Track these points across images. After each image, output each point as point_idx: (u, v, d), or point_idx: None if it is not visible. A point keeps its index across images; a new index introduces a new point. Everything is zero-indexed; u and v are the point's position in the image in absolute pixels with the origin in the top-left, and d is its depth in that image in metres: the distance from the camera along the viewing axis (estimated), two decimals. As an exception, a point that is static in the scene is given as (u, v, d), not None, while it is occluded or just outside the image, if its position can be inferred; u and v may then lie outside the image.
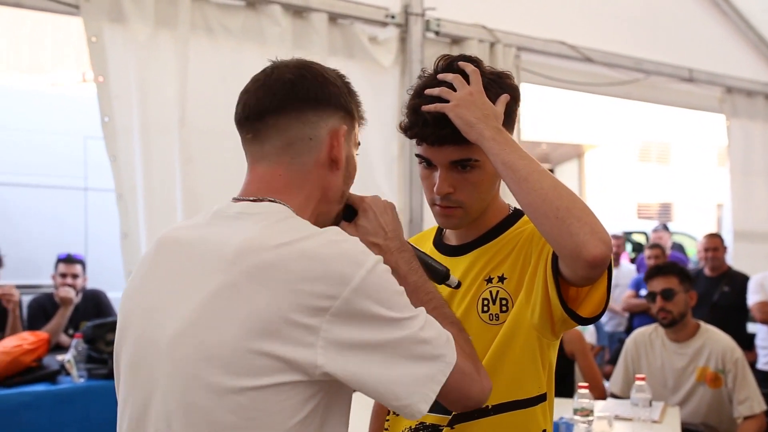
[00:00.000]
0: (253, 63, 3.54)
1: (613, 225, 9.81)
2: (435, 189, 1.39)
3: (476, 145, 1.33)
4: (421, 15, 3.97)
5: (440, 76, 1.38)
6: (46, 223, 4.70)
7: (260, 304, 1.03)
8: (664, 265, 3.86)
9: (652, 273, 3.60)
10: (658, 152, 19.33)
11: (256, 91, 1.18)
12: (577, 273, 1.25)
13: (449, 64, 1.41)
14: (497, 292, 1.41)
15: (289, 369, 1.03)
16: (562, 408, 2.53)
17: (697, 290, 5.27)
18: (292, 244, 1.06)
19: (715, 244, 5.18)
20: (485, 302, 1.42)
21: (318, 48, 3.65)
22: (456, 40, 4.16)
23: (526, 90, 4.46)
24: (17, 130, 4.63)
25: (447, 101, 1.34)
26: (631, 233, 11.45)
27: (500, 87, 1.41)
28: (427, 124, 1.36)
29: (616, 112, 14.87)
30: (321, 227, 1.13)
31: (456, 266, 1.45)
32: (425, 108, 1.35)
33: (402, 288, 1.11)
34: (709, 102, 5.52)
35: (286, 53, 3.78)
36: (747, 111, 5.61)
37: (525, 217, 1.47)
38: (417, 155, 1.43)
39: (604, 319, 6.38)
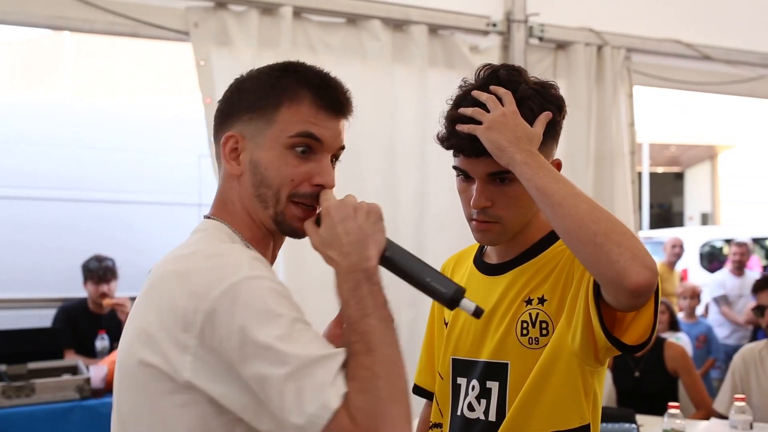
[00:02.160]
0: (354, 78, 3.57)
1: (746, 230, 9.25)
2: (472, 202, 1.35)
3: None
4: (524, 21, 3.88)
5: (474, 94, 1.33)
6: (163, 238, 4.95)
7: (147, 316, 1.05)
8: None
9: (760, 285, 3.35)
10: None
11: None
12: (620, 301, 1.17)
13: (491, 74, 1.36)
14: (537, 314, 1.34)
15: (166, 379, 1.01)
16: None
17: None
18: (177, 260, 1.07)
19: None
20: (524, 325, 1.35)
21: (418, 60, 3.65)
22: (561, 45, 4.04)
23: (639, 92, 4.28)
24: (137, 151, 4.90)
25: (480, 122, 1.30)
26: (765, 239, 10.74)
27: (544, 98, 1.35)
28: (464, 135, 1.32)
29: (753, 110, 14.00)
30: (273, 228, 1.15)
31: (495, 286, 1.40)
32: (459, 128, 1.31)
33: (285, 312, 0.98)
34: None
35: (385, 66, 3.80)
36: None
37: None
38: (454, 167, 1.39)
39: (725, 331, 6.00)
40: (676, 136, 14.23)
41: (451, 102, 1.38)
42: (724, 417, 3.23)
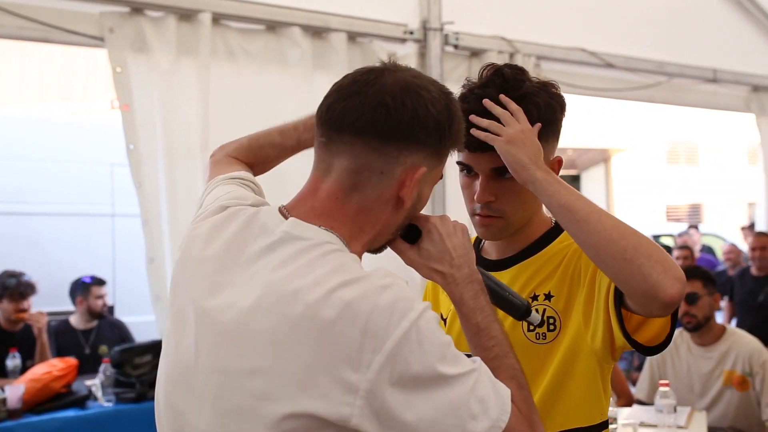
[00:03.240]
0: (274, 85, 3.61)
1: (641, 229, 9.68)
2: (476, 197, 1.36)
3: None
4: (440, 29, 3.97)
5: (487, 105, 1.33)
6: (76, 249, 4.78)
7: (288, 357, 0.96)
8: (686, 268, 3.82)
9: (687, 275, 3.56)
10: (687, 153, 19.09)
11: (348, 99, 1.06)
12: (651, 312, 1.21)
13: (496, 73, 1.37)
14: (544, 310, 1.36)
15: (327, 426, 0.95)
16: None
17: (743, 290, 5.17)
18: (332, 292, 0.96)
19: (763, 243, 5.08)
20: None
21: (338, 67, 3.66)
22: (475, 53, 4.16)
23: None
24: (45, 161, 4.71)
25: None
26: (659, 236, 11.31)
27: (548, 95, 1.38)
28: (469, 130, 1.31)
29: (643, 115, 14.73)
30: (373, 248, 1.11)
31: None
32: (475, 133, 1.31)
33: (449, 338, 1.00)
34: (736, 101, 5.45)
35: (306, 73, 3.80)
36: (776, 109, 5.53)
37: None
38: (458, 162, 1.39)
39: None
40: (573, 139, 14.79)
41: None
42: (643, 403, 3.40)
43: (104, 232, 4.88)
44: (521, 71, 1.39)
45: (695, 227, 10.86)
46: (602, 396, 1.36)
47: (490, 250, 1.48)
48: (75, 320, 4.41)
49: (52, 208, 4.70)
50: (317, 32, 3.63)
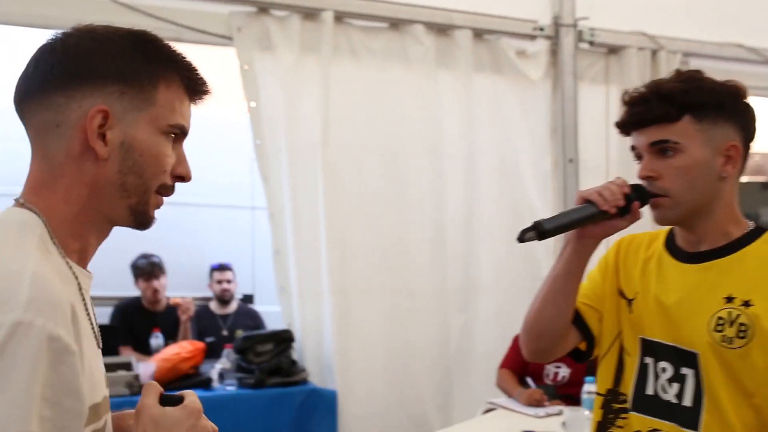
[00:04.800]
0: (397, 82, 3.62)
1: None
2: (638, 174, 1.35)
3: (678, 126, 1.29)
4: (573, 26, 3.81)
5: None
6: (219, 240, 5.07)
7: None
8: None
9: None
10: None
11: (24, 69, 0.96)
12: None
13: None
14: (738, 315, 1.30)
15: None
16: None
17: None
18: None
19: None
20: (720, 321, 1.31)
21: (463, 64, 3.63)
22: (613, 50, 3.95)
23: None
24: (193, 155, 5.01)
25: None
26: None
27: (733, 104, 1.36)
28: (634, 107, 1.34)
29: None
30: (135, 222, 0.98)
31: (688, 275, 1.37)
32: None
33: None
34: None
35: (429, 71, 3.79)
36: None
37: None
38: (631, 147, 1.39)
39: None
40: (759, 143, 13.63)
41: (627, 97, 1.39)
42: None
43: (245, 223, 5.15)
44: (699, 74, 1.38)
45: None
46: None
47: (683, 242, 1.42)
48: (213, 305, 4.67)
49: (201, 199, 5.00)
50: (441, 29, 3.61)
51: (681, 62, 4.01)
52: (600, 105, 3.88)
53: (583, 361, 1.54)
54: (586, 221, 1.33)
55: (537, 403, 3.02)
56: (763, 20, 4.14)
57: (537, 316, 1.44)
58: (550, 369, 3.31)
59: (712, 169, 1.32)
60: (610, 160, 3.83)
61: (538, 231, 1.29)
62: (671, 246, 1.43)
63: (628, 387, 1.43)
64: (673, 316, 1.36)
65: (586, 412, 2.50)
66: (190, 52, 1.04)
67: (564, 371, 3.30)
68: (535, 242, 1.24)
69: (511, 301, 3.56)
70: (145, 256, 4.31)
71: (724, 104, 1.34)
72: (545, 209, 3.66)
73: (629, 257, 1.47)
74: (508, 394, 3.21)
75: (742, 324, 1.29)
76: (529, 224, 1.31)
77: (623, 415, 1.43)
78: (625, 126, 1.37)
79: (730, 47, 4.11)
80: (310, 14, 3.37)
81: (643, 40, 3.94)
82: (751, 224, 1.38)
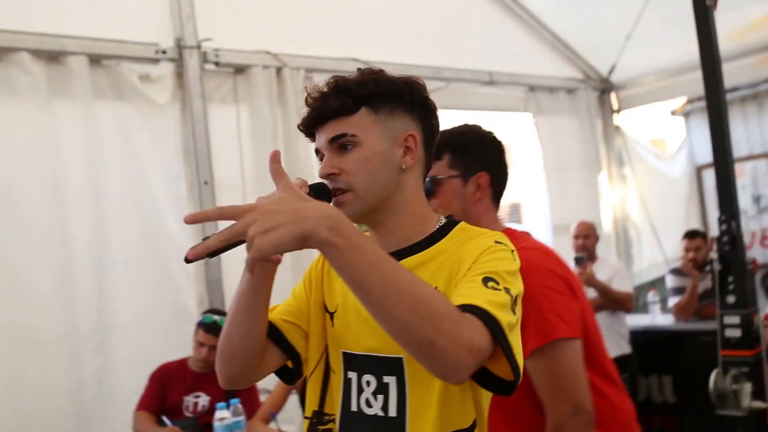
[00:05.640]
0: (4, 116, 3.28)
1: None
2: (319, 174, 1.30)
3: (355, 118, 1.29)
4: (197, 47, 3.79)
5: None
6: None
7: None
8: None
9: None
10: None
11: None
12: None
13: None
14: None
15: None
16: None
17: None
18: None
19: (586, 231, 5.14)
20: None
21: (81, 92, 3.42)
22: (240, 69, 4.02)
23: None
24: None
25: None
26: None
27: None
28: (314, 104, 1.31)
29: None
30: None
31: None
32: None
33: None
34: (514, 102, 5.65)
35: (42, 102, 3.47)
36: (551, 107, 5.79)
37: (459, 228, 1.34)
38: (315, 151, 1.35)
39: None
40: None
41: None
42: None
43: None
44: (378, 72, 1.39)
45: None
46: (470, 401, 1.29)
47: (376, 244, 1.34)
48: None
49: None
50: (52, 56, 3.35)
51: (305, 77, 4.22)
52: (232, 125, 3.92)
53: (293, 382, 1.46)
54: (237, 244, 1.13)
55: None
56: (372, 37, 4.53)
57: (226, 339, 1.31)
58: (189, 400, 3.29)
59: (391, 160, 1.31)
60: (246, 179, 3.91)
61: (187, 260, 1.11)
62: None
63: (335, 406, 1.38)
64: (373, 324, 1.21)
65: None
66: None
67: (203, 400, 3.31)
68: (178, 272, 1.18)
69: (153, 337, 3.48)
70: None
71: (402, 95, 1.35)
72: (184, 234, 3.58)
73: (327, 274, 1.43)
74: None
75: None
76: (170, 252, 1.24)
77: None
78: (306, 124, 1.34)
79: (348, 62, 4.42)
80: None
81: (268, 58, 4.07)
82: (442, 219, 1.38)
